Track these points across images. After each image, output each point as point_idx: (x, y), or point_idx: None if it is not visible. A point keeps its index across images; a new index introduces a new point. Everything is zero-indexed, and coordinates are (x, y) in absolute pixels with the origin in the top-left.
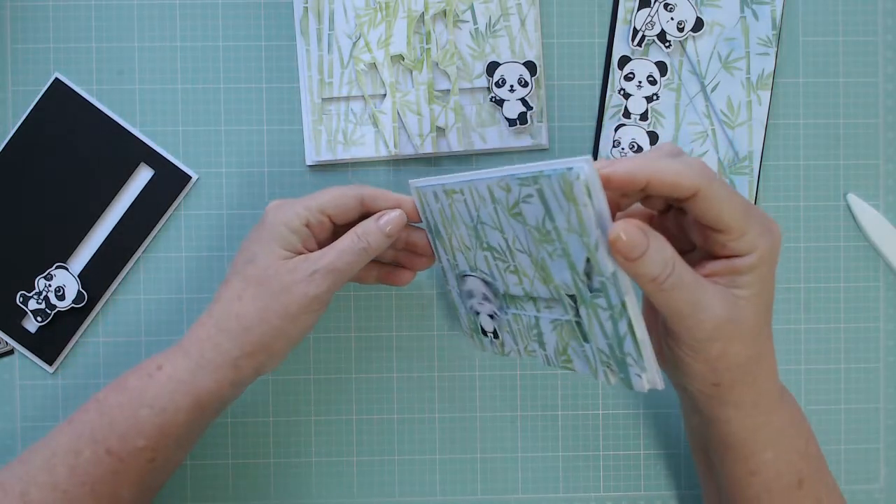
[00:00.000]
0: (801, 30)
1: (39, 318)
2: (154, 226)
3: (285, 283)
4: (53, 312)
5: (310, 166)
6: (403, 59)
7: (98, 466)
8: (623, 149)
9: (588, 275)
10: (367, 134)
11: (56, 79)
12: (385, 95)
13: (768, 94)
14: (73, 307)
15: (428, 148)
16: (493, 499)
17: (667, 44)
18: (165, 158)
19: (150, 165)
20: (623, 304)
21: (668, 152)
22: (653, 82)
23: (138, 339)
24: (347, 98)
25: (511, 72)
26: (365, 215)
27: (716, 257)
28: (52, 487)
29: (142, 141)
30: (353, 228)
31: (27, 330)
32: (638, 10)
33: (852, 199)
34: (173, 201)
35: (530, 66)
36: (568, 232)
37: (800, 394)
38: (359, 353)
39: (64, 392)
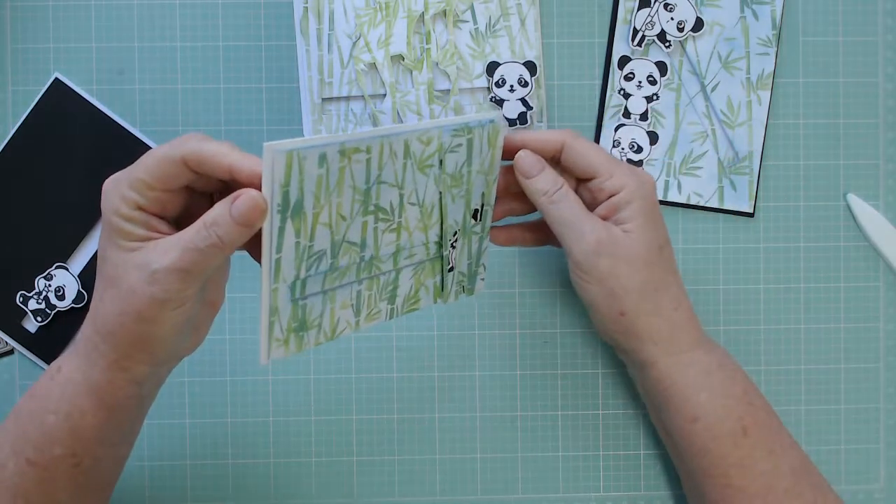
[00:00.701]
0: (801, 30)
1: (39, 318)
2: None
3: (131, 285)
4: (53, 312)
5: None
6: (403, 59)
7: (24, 478)
8: (623, 149)
9: (476, 209)
10: (364, 131)
11: (56, 79)
12: (385, 95)
13: (768, 94)
14: (73, 307)
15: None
16: (493, 499)
17: (667, 44)
18: None
19: None
20: (486, 229)
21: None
22: (653, 82)
23: None
24: (347, 98)
25: (511, 72)
26: (203, 177)
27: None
28: None
29: (142, 141)
30: (203, 216)
31: (27, 330)
32: (638, 10)
33: (852, 199)
34: None
35: (530, 66)
36: (478, 173)
37: (800, 394)
38: (359, 353)
39: None
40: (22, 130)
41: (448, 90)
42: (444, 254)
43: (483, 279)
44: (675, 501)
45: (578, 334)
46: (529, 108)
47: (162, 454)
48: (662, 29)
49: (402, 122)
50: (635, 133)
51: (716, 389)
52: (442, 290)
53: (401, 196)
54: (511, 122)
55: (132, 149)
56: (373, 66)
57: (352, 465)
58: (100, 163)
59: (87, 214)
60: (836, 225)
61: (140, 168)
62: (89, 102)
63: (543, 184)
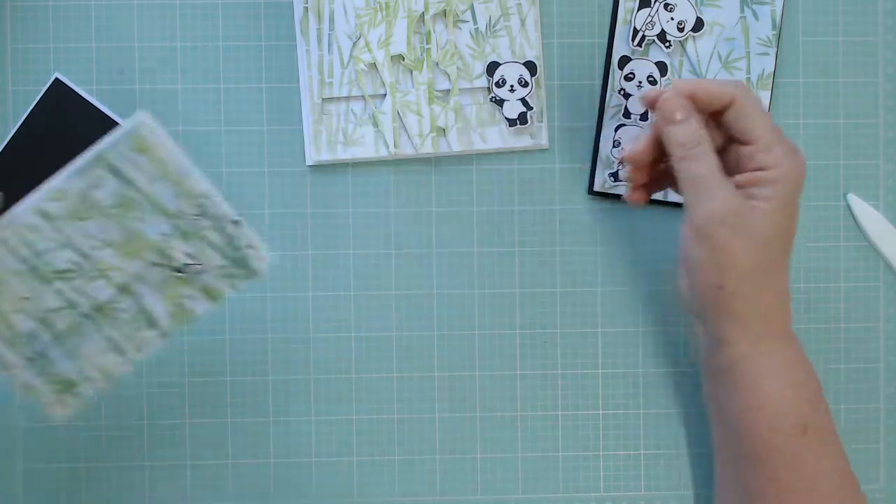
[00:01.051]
0: (801, 30)
1: None
2: None
3: None
4: None
5: (310, 166)
6: (403, 59)
7: None
8: (623, 149)
9: (181, 211)
10: (367, 134)
11: (56, 79)
12: (385, 95)
13: (768, 94)
14: None
15: (428, 148)
16: (493, 499)
17: (667, 44)
18: None
19: None
20: (225, 213)
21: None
22: (653, 82)
23: None
24: (347, 98)
25: (511, 72)
26: None
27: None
28: None
29: None
30: None
31: None
32: (638, 10)
33: (852, 199)
34: None
35: (530, 66)
36: (150, 184)
37: None
38: (359, 353)
39: None
40: (22, 130)
41: (448, 90)
42: (177, 265)
43: (262, 255)
44: (676, 501)
45: (578, 334)
46: (530, 108)
47: (162, 454)
48: (662, 29)
49: (402, 123)
50: (635, 133)
51: (788, 383)
52: (212, 291)
53: (78, 250)
54: (511, 122)
55: None
56: (373, 66)
57: (352, 465)
58: None
59: None
60: (836, 225)
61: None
62: (89, 102)
63: (683, 135)
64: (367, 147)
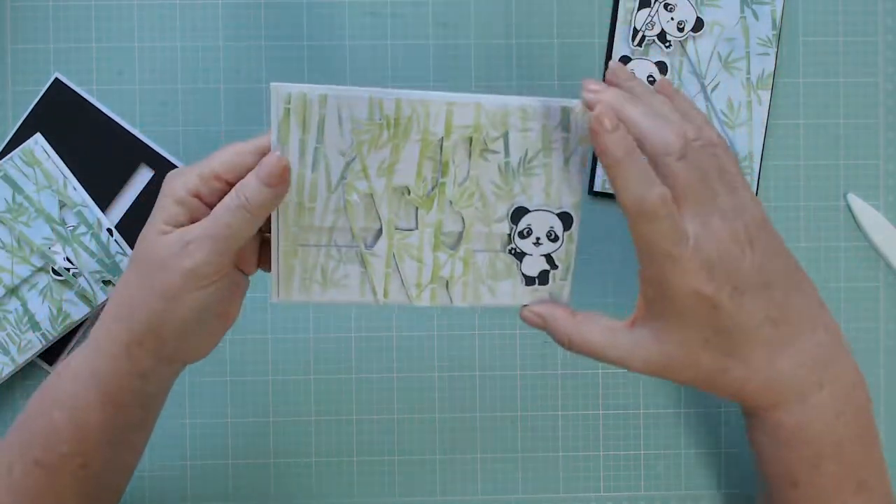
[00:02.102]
0: (801, 30)
1: None
2: None
3: (162, 259)
4: None
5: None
6: (409, 192)
7: (31, 480)
8: None
9: (63, 218)
10: (351, 275)
11: (56, 79)
12: (380, 233)
13: (768, 94)
14: None
15: (425, 301)
16: (493, 499)
17: (667, 44)
18: (165, 158)
19: (150, 165)
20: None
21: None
22: (653, 82)
23: None
24: (331, 229)
25: (541, 222)
26: None
27: None
28: None
29: (142, 141)
30: (235, 188)
31: None
32: (638, 10)
33: (852, 199)
34: None
35: (564, 218)
36: (37, 192)
37: None
38: (359, 353)
39: None
40: (22, 130)
41: (459, 233)
42: (58, 269)
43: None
44: (676, 501)
45: None
46: (554, 266)
47: (162, 454)
48: (662, 29)
49: (397, 268)
50: None
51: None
52: (88, 295)
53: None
54: (528, 281)
55: (132, 149)
56: (369, 196)
57: (352, 465)
58: (100, 163)
59: None
60: (836, 225)
61: (214, 158)
62: (89, 102)
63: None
64: (350, 290)
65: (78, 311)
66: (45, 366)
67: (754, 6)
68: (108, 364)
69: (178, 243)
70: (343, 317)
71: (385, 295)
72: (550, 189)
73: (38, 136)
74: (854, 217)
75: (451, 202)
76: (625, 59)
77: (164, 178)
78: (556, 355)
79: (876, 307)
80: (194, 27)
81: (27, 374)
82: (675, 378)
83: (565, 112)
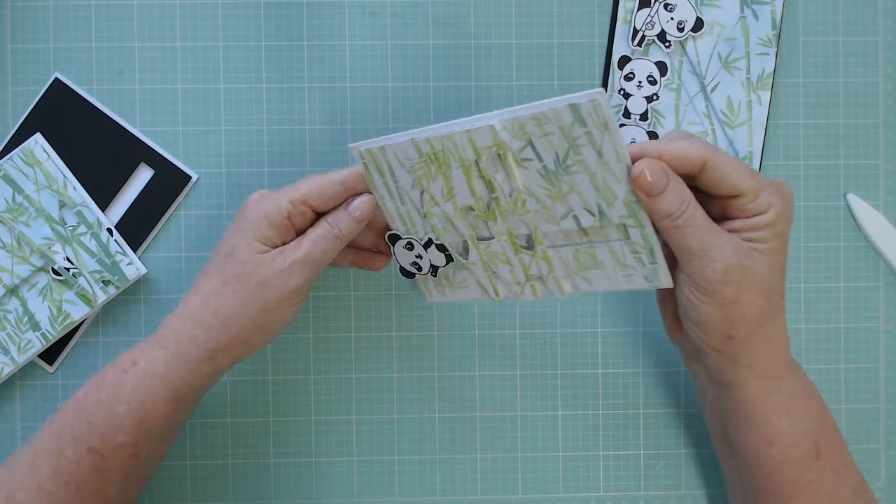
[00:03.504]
0: (801, 30)
1: None
2: (154, 226)
3: (263, 278)
4: None
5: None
6: (473, 210)
7: (81, 465)
8: None
9: (62, 218)
10: (467, 278)
11: (56, 79)
12: (467, 245)
13: (768, 94)
14: None
15: (529, 296)
16: (493, 499)
17: (667, 44)
18: (165, 158)
19: (150, 165)
20: (101, 221)
21: (677, 136)
22: (653, 82)
23: (138, 339)
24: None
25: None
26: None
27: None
28: (37, 489)
29: (142, 141)
30: (325, 216)
31: None
32: (638, 10)
33: (852, 199)
34: (173, 201)
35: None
36: (37, 192)
37: None
38: (359, 353)
39: (64, 392)
40: (22, 130)
41: (529, 236)
42: (58, 268)
43: (132, 262)
44: (676, 501)
45: (578, 334)
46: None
47: None
48: (662, 29)
49: (495, 272)
50: (635, 133)
51: (797, 413)
52: (87, 295)
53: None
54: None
55: (132, 149)
56: (446, 218)
57: (352, 465)
58: (100, 163)
59: None
60: (836, 225)
61: (302, 186)
62: (89, 102)
63: (669, 204)
64: (471, 290)
65: (78, 311)
66: (45, 366)
67: (754, 6)
68: (185, 366)
69: (281, 264)
70: (343, 317)
71: (496, 293)
72: (597, 183)
73: (38, 136)
74: (854, 217)
75: (509, 211)
76: (625, 59)
77: (164, 177)
78: (556, 355)
79: (876, 307)
80: (194, 27)
81: (27, 374)
82: (748, 306)
83: (574, 109)
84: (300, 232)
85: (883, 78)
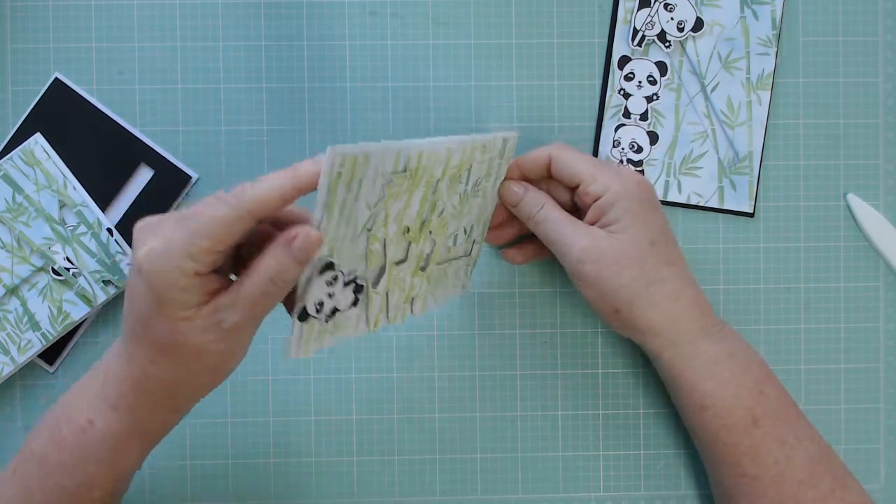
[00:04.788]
0: (801, 30)
1: None
2: None
3: (198, 347)
4: None
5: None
6: (409, 231)
7: None
8: (623, 149)
9: (62, 218)
10: (349, 317)
11: (56, 79)
12: (384, 271)
13: (768, 94)
14: None
15: (398, 321)
16: (493, 499)
17: (667, 44)
18: (165, 158)
19: (150, 165)
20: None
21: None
22: (653, 82)
23: None
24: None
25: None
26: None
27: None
28: None
29: (142, 141)
30: (265, 265)
31: None
32: (638, 10)
33: (852, 199)
34: (173, 201)
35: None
36: (37, 192)
37: (800, 394)
38: (359, 353)
39: (63, 392)
40: (22, 130)
41: (429, 255)
42: (58, 268)
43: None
44: (675, 501)
45: (578, 334)
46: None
47: (162, 455)
48: (662, 29)
49: (387, 299)
50: (635, 133)
51: (724, 379)
52: (87, 295)
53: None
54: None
55: (132, 149)
56: (383, 241)
57: (352, 465)
58: (100, 163)
59: None
60: (836, 225)
61: (198, 235)
62: (89, 102)
63: (526, 207)
64: (348, 330)
65: (78, 311)
66: (45, 366)
67: (754, 6)
68: (150, 426)
69: (211, 332)
70: None
71: (376, 324)
72: (484, 205)
73: (38, 136)
74: (854, 217)
75: (430, 231)
76: (625, 59)
77: (164, 177)
78: (556, 355)
79: (876, 307)
80: (194, 27)
81: (27, 374)
82: (614, 279)
83: (505, 142)
84: (218, 270)
85: (883, 78)
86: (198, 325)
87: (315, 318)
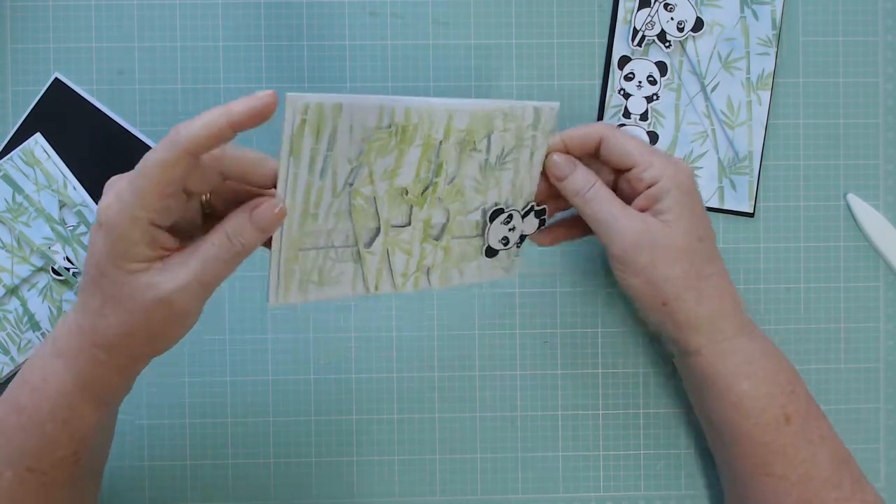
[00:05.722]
0: (801, 30)
1: None
2: None
3: (145, 304)
4: None
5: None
6: (407, 193)
7: (24, 485)
8: None
9: (63, 218)
10: (345, 272)
11: (56, 79)
12: (378, 231)
13: (768, 94)
14: None
15: (409, 288)
16: (493, 499)
17: (667, 44)
18: None
19: None
20: None
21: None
22: (653, 82)
23: None
24: (330, 231)
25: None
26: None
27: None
28: None
29: (142, 141)
30: (223, 226)
31: None
32: (638, 10)
33: (852, 199)
34: None
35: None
36: (37, 192)
37: None
38: (359, 353)
39: None
40: (22, 130)
41: (444, 225)
42: (58, 268)
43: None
44: (676, 501)
45: (578, 334)
46: (514, 243)
47: (162, 454)
48: (662, 29)
49: (389, 262)
50: (635, 133)
51: (759, 377)
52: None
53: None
54: (489, 253)
55: (132, 149)
56: (371, 199)
57: (352, 465)
58: (100, 163)
59: None
60: (836, 225)
61: (145, 180)
62: (89, 102)
63: (574, 183)
64: (343, 286)
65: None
66: None
67: (754, 6)
68: (98, 381)
69: (157, 290)
70: (343, 317)
71: (376, 288)
72: (517, 180)
73: (38, 136)
74: (854, 217)
75: (440, 198)
76: (625, 59)
77: None
78: (556, 355)
79: (876, 307)
80: (194, 27)
81: None
82: (665, 269)
83: (537, 112)
84: (171, 222)
85: (883, 78)
86: (148, 280)
87: (502, 249)
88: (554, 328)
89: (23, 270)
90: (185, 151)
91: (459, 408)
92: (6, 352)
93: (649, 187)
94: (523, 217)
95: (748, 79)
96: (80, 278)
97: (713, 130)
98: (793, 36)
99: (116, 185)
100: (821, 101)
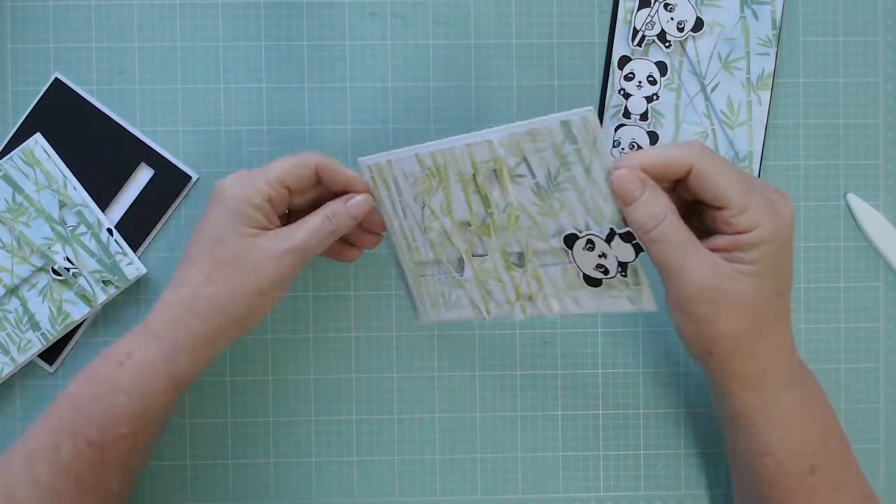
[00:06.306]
0: (801, 30)
1: None
2: (154, 226)
3: (256, 263)
4: None
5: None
6: (470, 225)
7: (80, 458)
8: (623, 149)
9: (62, 218)
10: (461, 296)
11: (56, 79)
12: (462, 261)
13: (768, 94)
14: None
15: (519, 315)
16: (493, 499)
17: (667, 44)
18: (165, 158)
19: (150, 165)
20: (101, 221)
21: (683, 143)
22: (653, 82)
23: None
24: (435, 261)
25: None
26: (318, 184)
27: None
28: (34, 484)
29: (142, 141)
30: (322, 209)
31: None
32: (638, 10)
33: (852, 199)
34: (173, 201)
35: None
36: (37, 192)
37: None
38: (358, 353)
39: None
40: (22, 130)
41: (520, 253)
42: (58, 268)
43: (132, 262)
44: (676, 501)
45: (578, 334)
46: (622, 272)
47: (162, 454)
48: (662, 29)
49: (488, 292)
50: (635, 133)
51: (793, 428)
52: (87, 295)
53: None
54: (590, 282)
55: (132, 149)
56: (444, 233)
57: (352, 465)
58: (100, 163)
59: None
60: (836, 225)
61: (276, 167)
62: (89, 102)
63: (642, 214)
64: (464, 309)
65: (78, 311)
66: (45, 366)
67: (754, 6)
68: (184, 356)
69: (276, 251)
70: (343, 317)
71: (488, 312)
72: (585, 200)
73: (38, 136)
74: (854, 217)
75: (503, 227)
76: (625, 59)
77: (164, 177)
78: (556, 355)
79: (876, 307)
80: (194, 27)
81: (27, 374)
82: (723, 325)
83: (566, 126)
84: (278, 213)
85: (883, 78)
86: (263, 243)
87: (605, 279)
88: (554, 328)
89: (23, 270)
90: (315, 165)
91: (459, 408)
92: (6, 352)
93: (737, 233)
94: (608, 242)
95: (748, 79)
96: (178, 260)
97: (713, 130)
98: (793, 36)
99: (231, 175)
100: (821, 101)
